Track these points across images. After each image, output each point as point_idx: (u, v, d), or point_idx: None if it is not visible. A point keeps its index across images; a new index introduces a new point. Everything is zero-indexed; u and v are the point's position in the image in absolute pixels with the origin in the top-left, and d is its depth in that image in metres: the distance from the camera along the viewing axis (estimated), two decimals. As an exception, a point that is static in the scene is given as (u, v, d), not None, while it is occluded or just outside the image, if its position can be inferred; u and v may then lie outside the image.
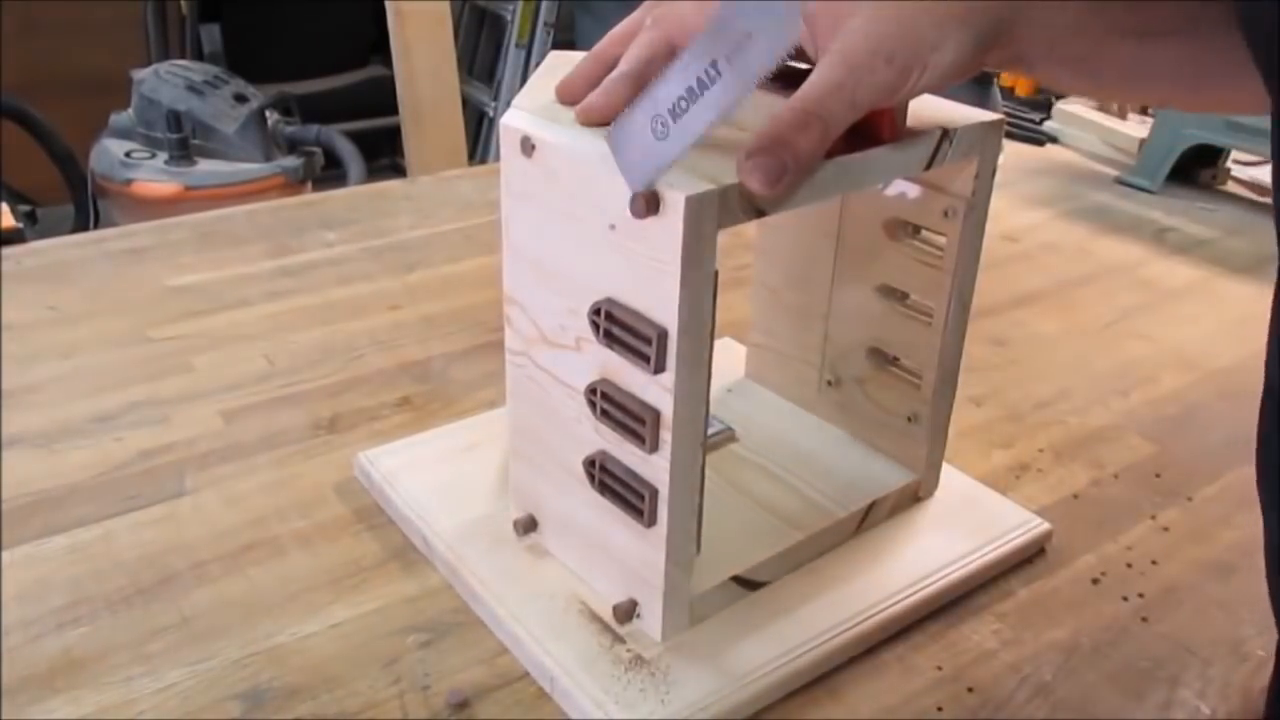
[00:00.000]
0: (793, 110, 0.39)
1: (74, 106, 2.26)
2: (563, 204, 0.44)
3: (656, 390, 0.42)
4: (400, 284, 0.83)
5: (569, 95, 0.46)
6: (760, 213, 0.41)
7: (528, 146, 0.44)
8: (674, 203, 0.38)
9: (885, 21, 0.39)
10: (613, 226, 0.41)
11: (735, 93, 0.37)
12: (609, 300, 0.43)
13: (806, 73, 0.40)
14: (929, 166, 0.47)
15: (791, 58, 0.44)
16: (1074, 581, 0.55)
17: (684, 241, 0.39)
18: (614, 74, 0.45)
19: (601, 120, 0.43)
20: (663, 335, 0.41)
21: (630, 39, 0.47)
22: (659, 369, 0.42)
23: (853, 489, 0.55)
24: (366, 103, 2.67)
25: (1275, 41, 0.31)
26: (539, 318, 0.47)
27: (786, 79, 0.42)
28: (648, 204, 0.39)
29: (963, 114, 0.48)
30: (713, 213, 0.39)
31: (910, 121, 0.46)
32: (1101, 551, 0.57)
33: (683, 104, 0.38)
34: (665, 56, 0.45)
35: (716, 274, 0.41)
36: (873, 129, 0.44)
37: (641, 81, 0.44)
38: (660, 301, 0.41)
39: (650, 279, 0.41)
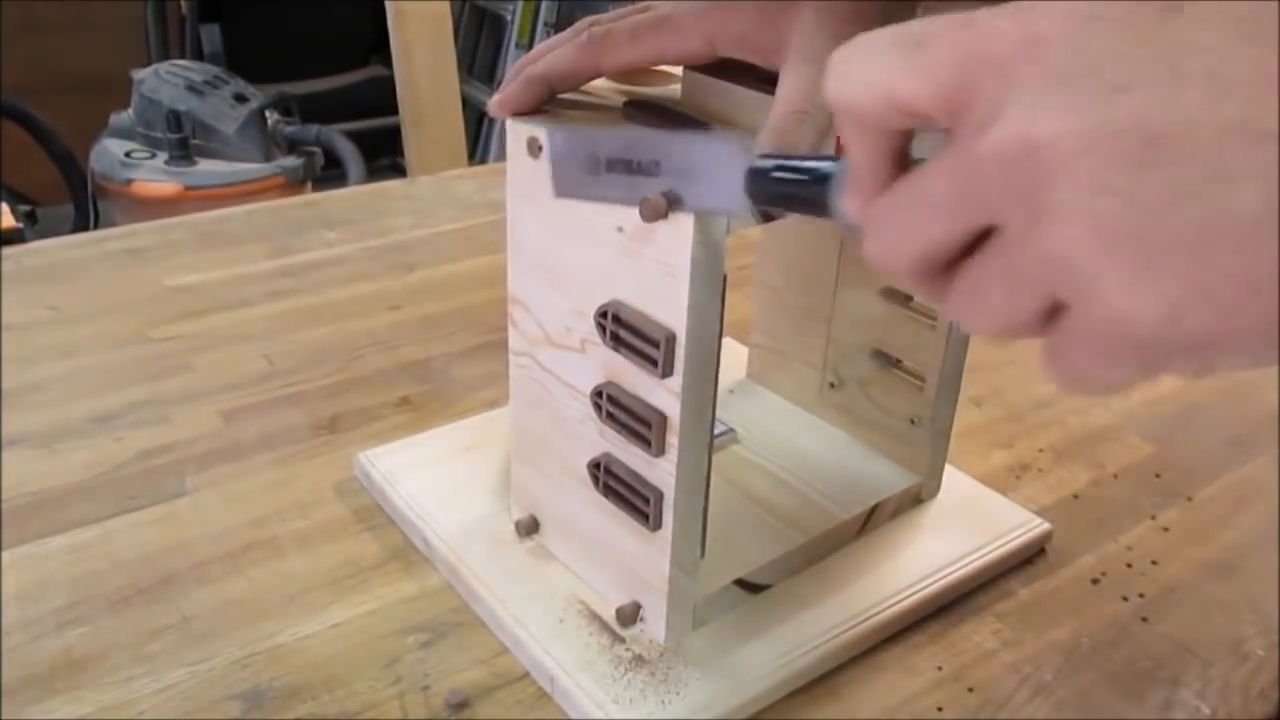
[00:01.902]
0: (787, 111, 0.40)
1: (74, 106, 2.26)
2: (569, 205, 0.44)
3: (663, 394, 0.42)
4: (400, 284, 0.83)
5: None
6: (770, 217, 0.41)
7: (534, 147, 0.44)
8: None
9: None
10: (620, 229, 0.41)
11: (666, 193, 0.37)
12: (616, 303, 0.43)
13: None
14: None
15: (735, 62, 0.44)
16: (1074, 581, 0.55)
17: (694, 246, 0.39)
18: (534, 72, 0.45)
19: (510, 112, 0.45)
20: (670, 339, 0.41)
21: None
22: (666, 373, 0.41)
23: (855, 491, 0.55)
24: (366, 103, 2.67)
25: None
26: (544, 319, 0.47)
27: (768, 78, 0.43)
28: (658, 207, 0.39)
29: None
30: (723, 217, 0.39)
31: None
32: (1101, 551, 0.57)
33: (619, 165, 0.38)
34: (587, 77, 0.46)
35: (725, 278, 0.41)
36: None
37: (554, 89, 0.46)
38: (668, 305, 0.41)
39: (658, 282, 0.41)
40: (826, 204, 0.31)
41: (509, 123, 0.45)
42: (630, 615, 0.47)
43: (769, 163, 0.34)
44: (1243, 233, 0.22)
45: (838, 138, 0.42)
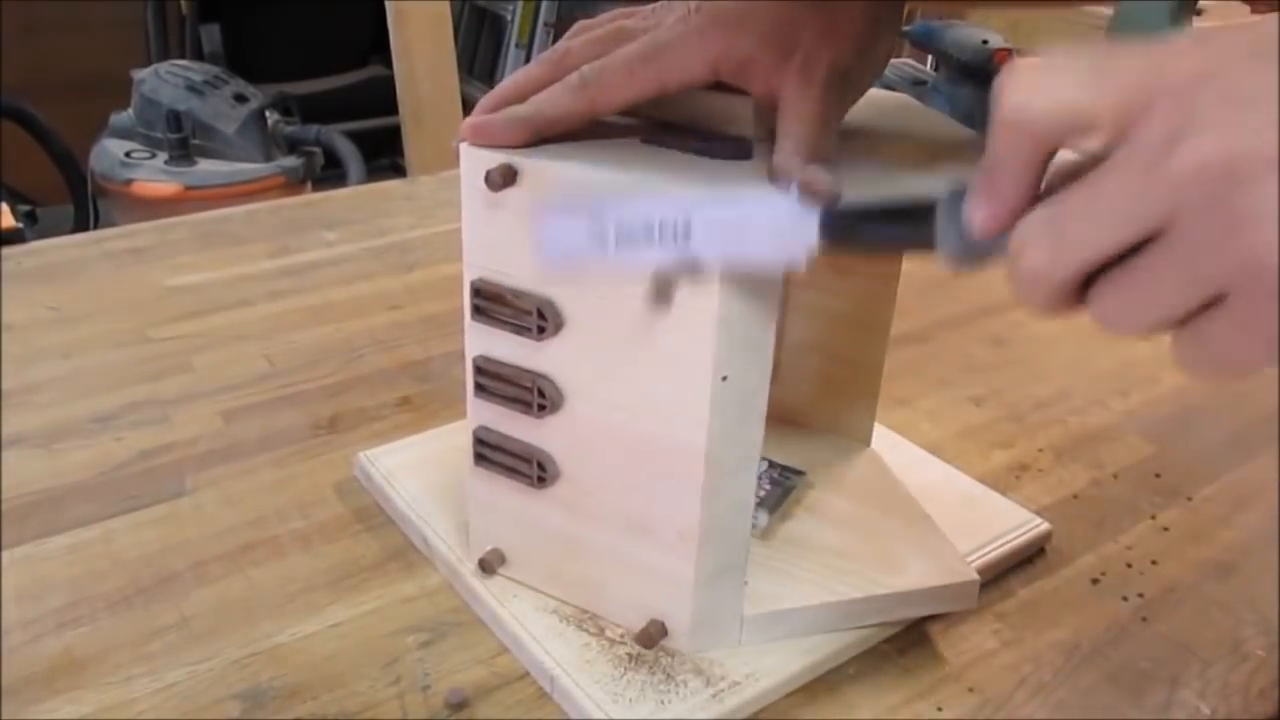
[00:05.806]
0: (819, 126, 0.41)
1: (74, 106, 2.25)
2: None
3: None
4: (400, 284, 0.83)
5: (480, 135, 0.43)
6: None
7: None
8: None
9: None
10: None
11: (689, 260, 0.34)
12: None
13: None
14: None
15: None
16: (1074, 581, 0.55)
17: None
18: (521, 113, 0.42)
19: (483, 141, 0.42)
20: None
21: (552, 78, 0.44)
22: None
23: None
24: (366, 103, 2.67)
25: None
26: None
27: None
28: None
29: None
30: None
31: None
32: (1101, 551, 0.57)
33: (633, 232, 0.35)
34: (580, 122, 0.43)
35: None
36: None
37: (542, 134, 0.42)
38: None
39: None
40: (930, 234, 0.31)
41: (465, 149, 0.42)
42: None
43: (853, 205, 0.32)
44: None
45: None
